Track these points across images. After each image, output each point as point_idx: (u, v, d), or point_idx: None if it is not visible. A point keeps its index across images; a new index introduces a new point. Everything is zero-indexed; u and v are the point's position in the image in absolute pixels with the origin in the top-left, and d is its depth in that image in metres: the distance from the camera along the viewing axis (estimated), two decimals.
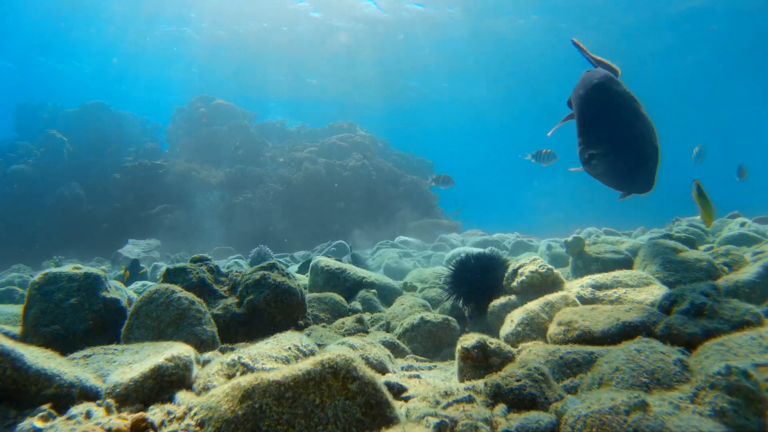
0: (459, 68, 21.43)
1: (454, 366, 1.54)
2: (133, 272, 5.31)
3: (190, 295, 1.65)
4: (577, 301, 1.73)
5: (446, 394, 1.12)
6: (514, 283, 1.95)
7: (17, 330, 1.75)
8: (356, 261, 3.79)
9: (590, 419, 0.79)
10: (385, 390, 0.93)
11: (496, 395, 1.04)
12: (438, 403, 1.06)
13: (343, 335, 1.90)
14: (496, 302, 1.93)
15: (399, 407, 1.02)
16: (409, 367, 1.60)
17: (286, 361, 1.26)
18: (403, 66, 21.48)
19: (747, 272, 1.86)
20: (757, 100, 25.65)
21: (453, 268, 2.24)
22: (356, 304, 2.52)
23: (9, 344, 1.03)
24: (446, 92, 24.90)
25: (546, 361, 1.25)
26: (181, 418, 0.93)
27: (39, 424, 0.92)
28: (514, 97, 24.62)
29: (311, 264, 2.94)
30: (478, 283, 2.13)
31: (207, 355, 1.46)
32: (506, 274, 2.04)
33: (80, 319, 1.68)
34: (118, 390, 1.07)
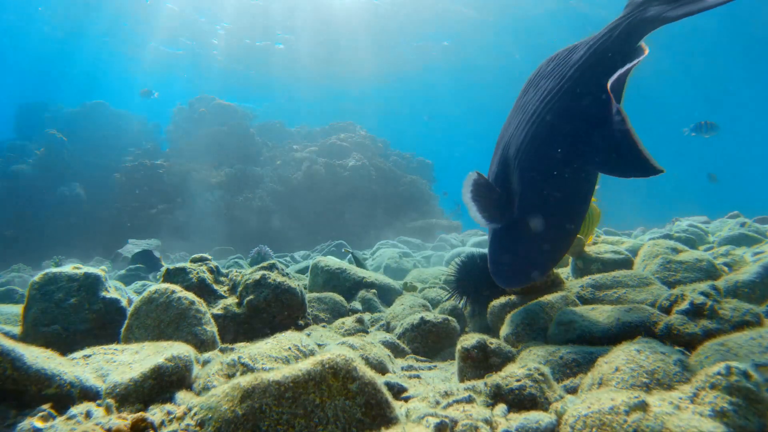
0: (460, 65, 21.43)
1: (454, 366, 1.54)
2: (151, 264, 5.24)
3: (190, 295, 1.65)
4: (577, 301, 1.73)
5: (446, 394, 1.12)
6: None
7: (17, 330, 1.75)
8: (356, 263, 3.80)
9: (590, 419, 0.79)
10: (385, 390, 0.93)
11: (496, 395, 1.04)
12: (438, 403, 1.06)
13: (343, 335, 1.90)
14: (496, 302, 1.93)
15: (399, 407, 1.02)
16: (409, 367, 1.60)
17: (286, 361, 1.26)
18: (401, 63, 21.46)
19: (747, 272, 1.86)
20: (756, 99, 25.64)
21: (457, 266, 2.24)
22: (356, 304, 2.52)
23: (9, 344, 1.03)
24: (446, 91, 24.89)
25: (546, 361, 1.25)
26: (181, 418, 0.93)
27: (39, 424, 0.92)
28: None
29: (311, 264, 2.94)
30: (479, 283, 2.13)
31: (207, 355, 1.46)
32: None
33: (80, 319, 1.68)
34: (118, 390, 1.07)
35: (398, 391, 1.21)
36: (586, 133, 1.40)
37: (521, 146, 1.50)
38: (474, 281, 2.16)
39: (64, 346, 1.55)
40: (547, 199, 1.46)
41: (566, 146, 1.42)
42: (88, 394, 1.09)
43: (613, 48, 1.44)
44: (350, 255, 3.84)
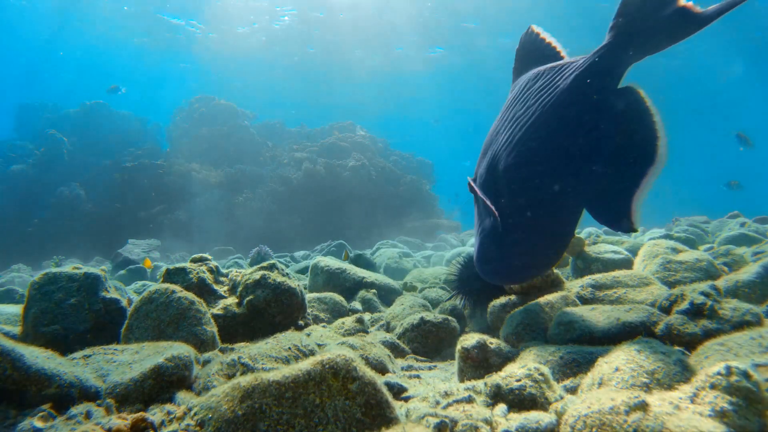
0: (460, 64, 21.43)
1: (454, 366, 1.54)
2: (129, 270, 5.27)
3: (190, 295, 1.65)
4: (577, 301, 1.73)
5: (446, 394, 1.12)
6: None
7: (17, 330, 1.75)
8: (359, 264, 3.78)
9: (590, 419, 0.79)
10: (385, 390, 0.93)
11: (496, 395, 1.04)
12: (438, 403, 1.06)
13: (343, 335, 1.90)
14: (496, 302, 1.93)
15: (399, 407, 1.02)
16: (409, 367, 1.60)
17: (286, 361, 1.26)
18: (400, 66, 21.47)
19: (747, 272, 1.86)
20: (757, 99, 25.64)
21: (459, 266, 2.25)
22: (356, 304, 2.52)
23: (9, 344, 1.03)
24: (446, 90, 24.90)
25: (546, 361, 1.25)
26: (181, 418, 0.93)
27: (39, 424, 0.92)
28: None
29: (311, 264, 2.94)
30: (480, 283, 2.13)
31: (207, 355, 1.46)
32: None
33: (80, 319, 1.68)
34: (118, 390, 1.07)
35: (398, 391, 1.21)
36: (569, 171, 1.44)
37: (509, 165, 1.54)
38: (475, 281, 2.16)
39: (64, 346, 1.55)
40: (531, 219, 1.51)
41: (550, 177, 1.46)
42: (88, 394, 1.09)
43: (596, 81, 1.43)
44: (351, 257, 3.83)
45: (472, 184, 1.61)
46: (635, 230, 1.33)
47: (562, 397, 1.03)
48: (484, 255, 1.66)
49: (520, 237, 1.53)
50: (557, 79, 1.52)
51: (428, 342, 1.84)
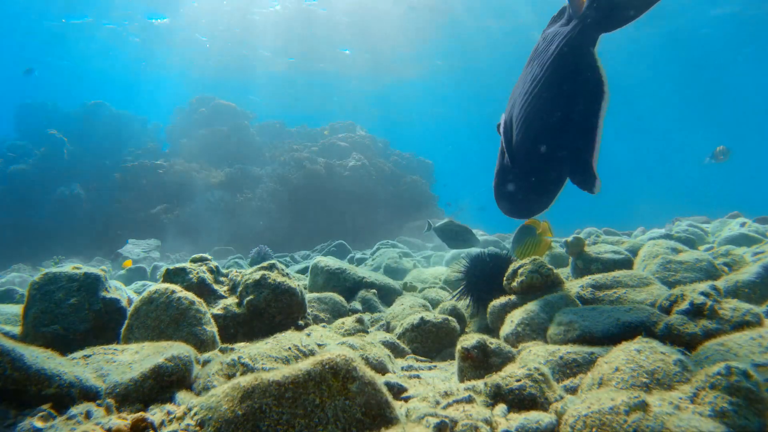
0: (461, 63, 21.40)
1: (454, 366, 1.54)
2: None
3: (190, 295, 1.65)
4: (577, 302, 1.73)
5: (446, 394, 1.12)
6: (514, 283, 1.95)
7: (17, 330, 1.75)
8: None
9: (590, 419, 0.79)
10: (385, 390, 0.93)
11: (496, 395, 1.04)
12: (438, 403, 1.06)
13: (343, 335, 1.90)
14: (496, 302, 1.93)
15: (399, 407, 1.02)
16: (409, 367, 1.60)
17: (286, 361, 1.26)
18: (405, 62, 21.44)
19: (747, 272, 1.86)
20: (757, 98, 25.62)
21: (461, 265, 2.26)
22: (356, 304, 2.52)
23: (9, 344, 1.03)
24: (447, 91, 24.89)
25: (546, 361, 1.25)
26: (181, 418, 0.93)
27: (39, 424, 0.92)
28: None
29: (311, 264, 2.94)
30: (484, 283, 2.14)
31: (207, 355, 1.46)
32: (506, 274, 2.04)
33: (80, 319, 1.68)
34: (118, 390, 1.07)
35: (398, 391, 1.21)
36: (552, 133, 1.64)
37: (518, 118, 1.74)
38: (478, 281, 2.16)
39: (64, 346, 1.55)
40: (526, 171, 1.75)
41: (542, 135, 1.68)
42: (88, 394, 1.09)
43: (571, 52, 1.57)
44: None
45: (499, 127, 1.87)
46: (597, 186, 1.53)
47: (562, 397, 1.03)
48: (496, 192, 1.94)
49: (519, 182, 1.80)
50: (550, 46, 1.66)
51: (428, 342, 1.84)
